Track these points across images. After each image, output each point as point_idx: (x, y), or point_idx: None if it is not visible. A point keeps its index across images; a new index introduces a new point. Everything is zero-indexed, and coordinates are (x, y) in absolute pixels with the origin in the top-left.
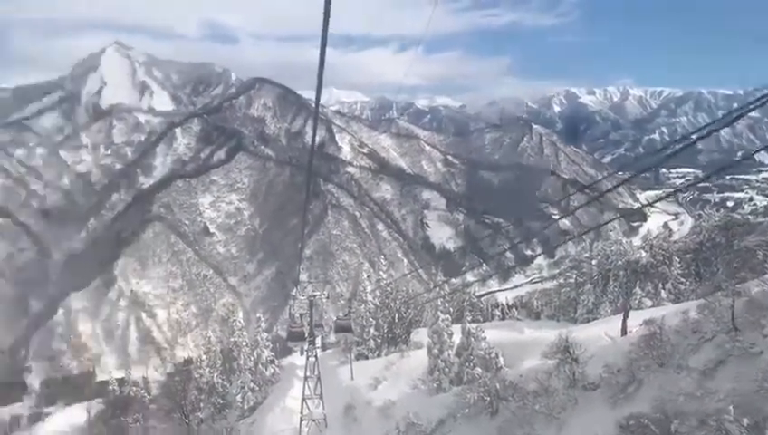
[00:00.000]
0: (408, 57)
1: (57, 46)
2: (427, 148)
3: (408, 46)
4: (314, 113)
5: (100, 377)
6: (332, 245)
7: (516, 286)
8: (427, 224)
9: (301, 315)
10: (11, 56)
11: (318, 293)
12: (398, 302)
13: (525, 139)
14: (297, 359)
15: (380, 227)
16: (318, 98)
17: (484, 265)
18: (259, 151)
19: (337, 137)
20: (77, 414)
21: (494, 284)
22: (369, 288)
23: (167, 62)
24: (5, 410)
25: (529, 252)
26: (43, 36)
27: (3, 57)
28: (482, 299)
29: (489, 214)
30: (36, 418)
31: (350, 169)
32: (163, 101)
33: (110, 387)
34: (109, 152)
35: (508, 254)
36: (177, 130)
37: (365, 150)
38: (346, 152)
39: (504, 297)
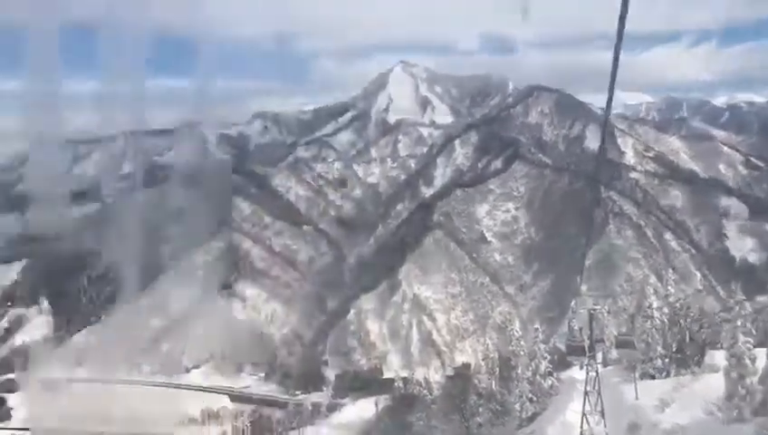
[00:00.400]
0: (701, 52)
1: (351, 70)
2: (726, 149)
3: (701, 42)
4: (603, 118)
5: (386, 374)
6: (614, 255)
7: None
8: (725, 234)
9: (580, 329)
10: (313, 83)
11: (598, 306)
12: (689, 319)
13: None
14: (576, 373)
15: (668, 236)
16: (610, 99)
17: None
18: (536, 159)
19: (620, 141)
20: (366, 407)
21: None
22: (655, 304)
23: (447, 76)
24: (308, 398)
25: None
26: (339, 62)
27: (307, 84)
28: None
29: None
30: (333, 407)
31: (633, 174)
32: (443, 115)
33: (396, 384)
34: (395, 164)
35: None
36: (457, 142)
37: (651, 154)
38: (629, 157)
39: None
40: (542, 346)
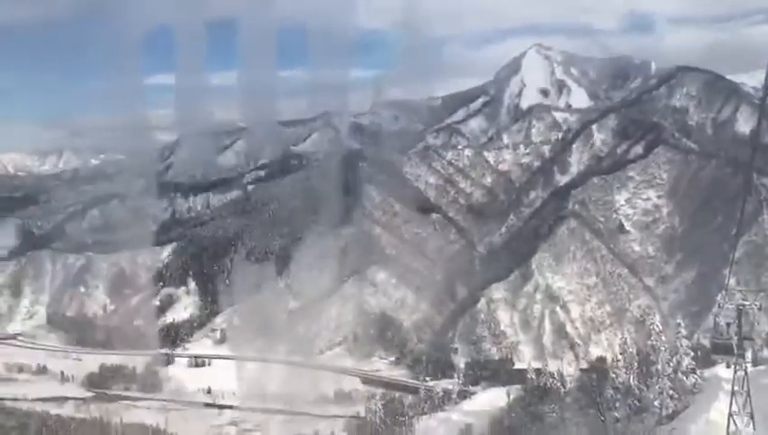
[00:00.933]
0: None
1: (482, 55)
2: None
3: None
4: (762, 98)
5: (517, 365)
6: (767, 247)
7: None
8: None
9: (727, 325)
10: (442, 68)
11: (748, 302)
12: None
13: None
14: (722, 371)
15: None
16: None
17: None
18: (680, 144)
19: None
20: (497, 396)
21: None
22: None
23: (584, 58)
24: (438, 384)
25: None
26: (469, 47)
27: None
28: None
29: None
30: (464, 395)
31: None
32: (580, 98)
33: (529, 376)
34: (528, 151)
35: None
36: (594, 127)
37: None
38: None
39: None
40: (685, 342)
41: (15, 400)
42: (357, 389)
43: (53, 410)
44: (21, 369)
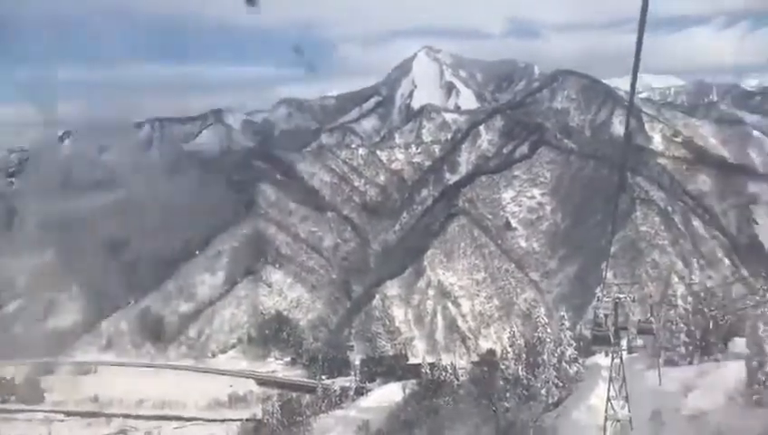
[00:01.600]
0: (733, 34)
1: (374, 55)
2: (756, 134)
3: (733, 23)
4: (629, 103)
5: (411, 360)
6: (641, 242)
7: None
8: (754, 220)
9: (605, 316)
10: (335, 68)
11: (623, 295)
12: (713, 307)
13: None
14: (601, 359)
15: (696, 223)
16: (633, 86)
17: None
18: (562, 145)
19: (647, 126)
20: (393, 391)
21: None
22: (679, 292)
23: (472, 61)
24: (335, 382)
25: None
26: (361, 47)
27: (329, 70)
28: None
29: None
30: (360, 391)
31: (661, 160)
32: (468, 100)
33: (423, 370)
34: (419, 151)
35: None
36: (481, 127)
37: (679, 139)
38: (657, 142)
39: None
40: (569, 333)
41: None
42: (252, 391)
43: None
44: None
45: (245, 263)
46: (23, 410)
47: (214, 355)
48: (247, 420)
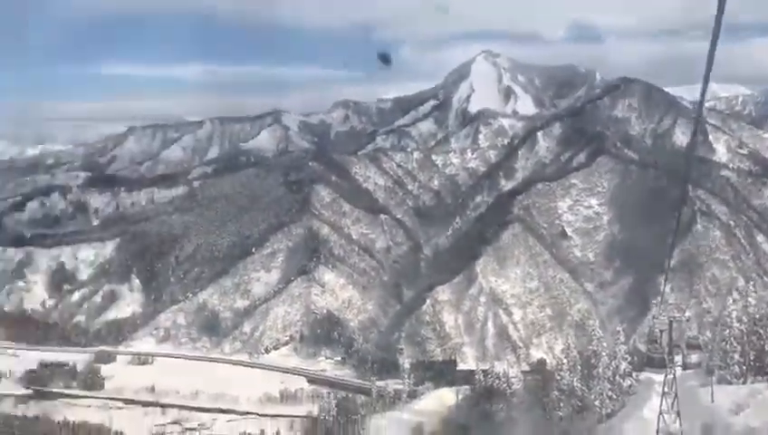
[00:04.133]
0: None
1: (432, 59)
2: None
3: None
4: (697, 111)
5: (461, 366)
6: (700, 256)
7: None
8: None
9: (661, 332)
10: (394, 71)
11: (679, 314)
12: None
13: None
14: (654, 374)
15: (761, 238)
16: (703, 94)
17: None
18: (621, 154)
19: (711, 137)
20: (446, 396)
21: None
22: (734, 314)
23: (531, 66)
24: (388, 384)
25: None
26: (420, 51)
27: (386, 72)
28: None
29: None
30: (413, 395)
31: (724, 172)
32: (526, 106)
33: (476, 377)
34: (474, 156)
35: None
36: (539, 134)
37: (745, 151)
38: (721, 154)
39: None
40: (623, 347)
41: None
42: (303, 388)
43: None
44: None
45: (299, 262)
46: (84, 396)
47: (267, 351)
48: (304, 416)
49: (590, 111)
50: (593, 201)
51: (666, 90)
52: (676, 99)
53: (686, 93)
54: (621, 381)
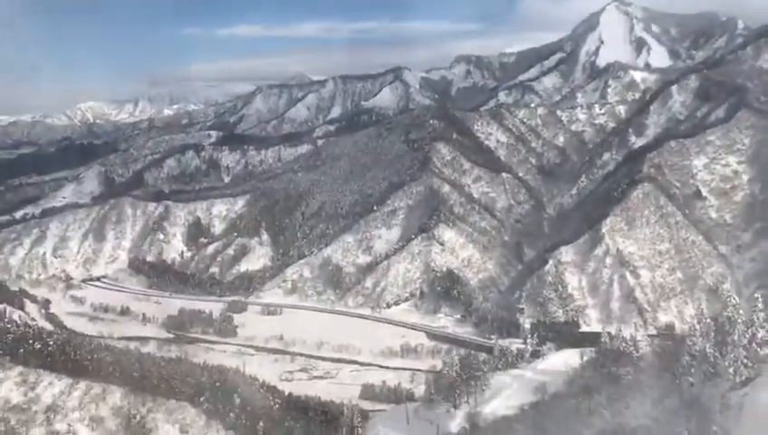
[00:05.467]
0: None
1: (558, 9)
2: None
3: None
4: None
5: (583, 328)
6: None
7: None
8: None
9: None
10: (516, 23)
11: None
12: None
13: None
14: None
15: None
16: None
17: None
18: (765, 108)
19: None
20: (569, 357)
21: None
22: None
23: (666, 15)
24: (512, 342)
25: None
26: (546, 0)
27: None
28: None
29: None
30: (535, 354)
31: None
32: (660, 58)
33: (603, 339)
34: (603, 111)
35: None
36: (673, 88)
37: None
38: None
39: None
40: (762, 315)
41: (102, 338)
42: (423, 344)
43: (141, 348)
44: (106, 309)
45: (420, 220)
46: (219, 342)
47: (388, 306)
48: (428, 371)
49: (730, 62)
50: (732, 159)
51: None
52: None
53: None
54: (758, 349)
